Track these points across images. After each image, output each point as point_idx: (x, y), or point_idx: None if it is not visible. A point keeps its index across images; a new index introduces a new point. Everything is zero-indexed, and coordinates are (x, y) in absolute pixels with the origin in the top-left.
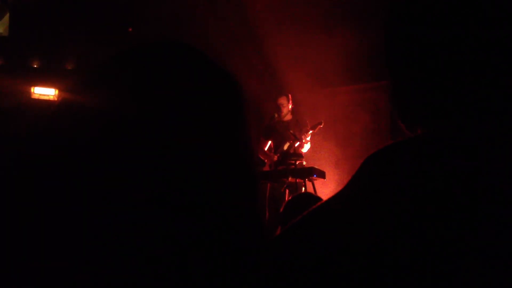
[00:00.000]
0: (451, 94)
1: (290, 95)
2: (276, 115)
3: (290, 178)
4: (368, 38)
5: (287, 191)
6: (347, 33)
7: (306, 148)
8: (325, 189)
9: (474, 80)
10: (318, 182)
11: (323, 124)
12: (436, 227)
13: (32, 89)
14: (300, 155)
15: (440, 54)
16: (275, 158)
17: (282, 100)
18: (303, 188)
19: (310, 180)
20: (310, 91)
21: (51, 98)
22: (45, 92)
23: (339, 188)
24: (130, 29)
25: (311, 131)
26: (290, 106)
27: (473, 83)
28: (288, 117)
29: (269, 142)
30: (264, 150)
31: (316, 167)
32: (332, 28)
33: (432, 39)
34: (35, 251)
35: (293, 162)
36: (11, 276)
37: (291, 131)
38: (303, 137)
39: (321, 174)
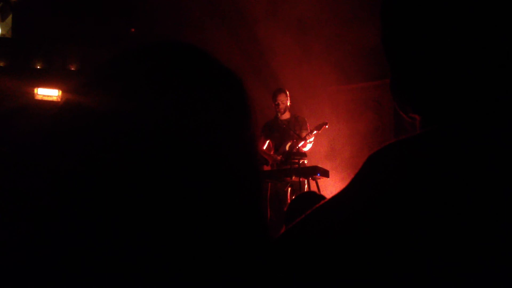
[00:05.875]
0: (450, 80)
1: (288, 92)
2: (278, 114)
3: (294, 177)
4: (371, 36)
5: (289, 189)
6: (350, 32)
7: (308, 147)
8: (329, 187)
9: (477, 65)
10: (322, 181)
11: (328, 125)
12: (442, 225)
13: (35, 90)
14: (303, 154)
15: (439, 39)
16: (278, 158)
17: (281, 97)
18: (306, 187)
19: (313, 179)
20: (313, 90)
21: (55, 99)
22: (48, 93)
23: (343, 187)
24: (133, 30)
25: (315, 131)
26: (288, 103)
27: (475, 69)
28: (287, 115)
29: (268, 141)
30: (263, 149)
31: (319, 165)
32: (335, 26)
33: (429, 20)
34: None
35: (297, 161)
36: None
37: (293, 131)
38: (307, 137)
39: (325, 173)
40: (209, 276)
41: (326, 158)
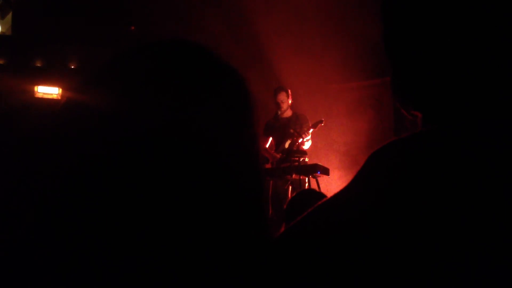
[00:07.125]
0: (451, 78)
1: (289, 91)
2: (279, 112)
3: (294, 175)
4: (372, 34)
5: (290, 187)
6: (351, 30)
7: (307, 145)
8: (329, 186)
9: (477, 63)
10: (322, 179)
11: (324, 122)
12: (443, 224)
13: (35, 88)
14: (303, 152)
15: (440, 37)
16: (278, 156)
17: (282, 96)
18: (306, 185)
19: (314, 177)
20: (314, 88)
21: (55, 96)
22: (48, 91)
23: (343, 185)
24: (133, 28)
25: (311, 129)
26: (289, 101)
27: (476, 67)
28: (288, 113)
29: (270, 139)
30: (265, 147)
31: (319, 164)
32: (335, 24)
33: (430, 18)
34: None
35: (297, 159)
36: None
37: (292, 129)
38: (303, 135)
39: (325, 171)
40: (209, 276)
41: (326, 156)
